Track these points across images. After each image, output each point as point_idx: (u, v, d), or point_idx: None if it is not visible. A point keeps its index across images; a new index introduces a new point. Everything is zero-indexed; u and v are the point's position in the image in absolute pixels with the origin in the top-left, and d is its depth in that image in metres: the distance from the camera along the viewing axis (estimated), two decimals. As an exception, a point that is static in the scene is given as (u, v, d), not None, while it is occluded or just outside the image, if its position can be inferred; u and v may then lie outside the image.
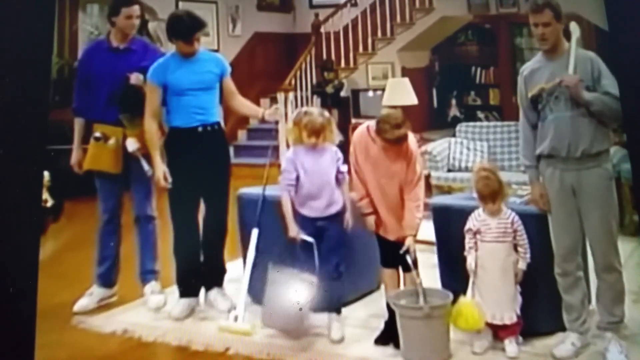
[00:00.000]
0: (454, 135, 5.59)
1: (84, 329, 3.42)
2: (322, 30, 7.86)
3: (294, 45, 8.06)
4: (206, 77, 3.56)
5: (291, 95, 7.29)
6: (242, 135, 7.73)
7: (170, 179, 3.49)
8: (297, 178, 3.30)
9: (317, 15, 7.99)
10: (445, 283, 3.39)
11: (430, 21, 7.65)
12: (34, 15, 2.91)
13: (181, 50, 3.48)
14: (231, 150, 7.07)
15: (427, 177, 4.58)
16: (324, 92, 7.50)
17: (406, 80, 6.53)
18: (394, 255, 3.22)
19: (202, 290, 3.64)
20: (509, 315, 3.06)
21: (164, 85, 3.51)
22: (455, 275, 3.30)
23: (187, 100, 3.51)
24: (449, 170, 5.36)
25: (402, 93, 6.29)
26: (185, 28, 3.43)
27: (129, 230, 3.76)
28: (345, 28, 7.86)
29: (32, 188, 2.87)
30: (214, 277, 3.65)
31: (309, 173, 3.31)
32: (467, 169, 5.11)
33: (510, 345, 3.07)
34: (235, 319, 3.29)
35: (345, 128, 7.33)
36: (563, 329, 3.16)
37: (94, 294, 3.66)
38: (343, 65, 7.76)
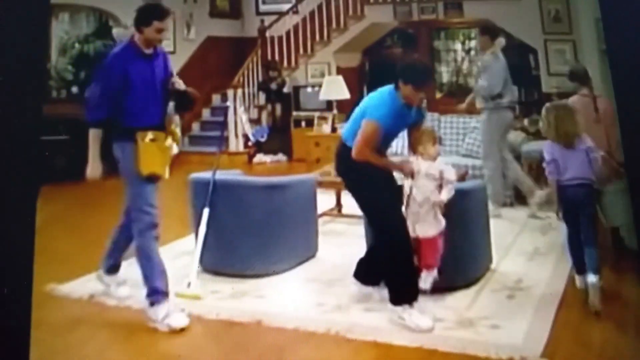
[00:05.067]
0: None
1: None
2: (267, 34, 7.86)
3: (242, 48, 8.04)
4: None
5: (240, 91, 7.34)
6: (195, 127, 7.71)
7: None
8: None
9: (262, 21, 8.00)
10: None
11: (361, 27, 7.72)
12: (28, 14, 2.55)
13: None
14: (186, 140, 7.18)
15: None
16: (268, 88, 7.52)
17: (340, 78, 6.64)
18: None
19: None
20: (430, 232, 3.01)
21: None
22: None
23: None
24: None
25: (336, 89, 6.43)
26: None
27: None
28: (288, 33, 7.89)
29: (27, 187, 2.50)
30: None
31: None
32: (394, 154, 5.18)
33: (427, 277, 3.00)
34: (189, 285, 3.29)
35: (287, 120, 7.42)
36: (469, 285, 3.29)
37: (105, 281, 3.32)
38: (285, 65, 7.79)
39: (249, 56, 7.67)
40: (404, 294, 2.94)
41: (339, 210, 4.74)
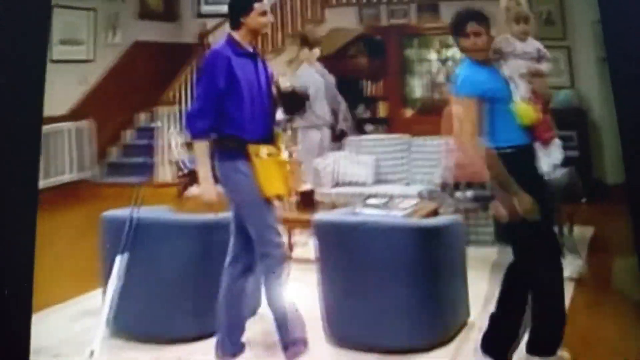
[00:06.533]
0: (340, 149, 5.63)
1: None
2: (210, 40, 7.65)
3: (178, 56, 7.84)
4: None
5: (173, 109, 7.14)
6: (114, 152, 7.37)
7: None
8: None
9: (204, 24, 7.90)
10: (327, 302, 3.38)
11: (321, 33, 7.70)
12: (28, 15, 2.86)
13: None
14: (102, 169, 6.98)
15: (311, 192, 4.59)
16: (208, 105, 7.41)
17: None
18: None
19: None
20: None
21: None
22: (338, 293, 3.30)
23: None
24: (336, 185, 5.38)
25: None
26: None
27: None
28: (233, 39, 7.83)
29: (27, 188, 2.79)
30: None
31: None
32: (352, 184, 5.18)
33: None
34: (91, 354, 3.12)
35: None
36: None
37: None
38: (230, 76, 7.70)
39: (186, 66, 7.54)
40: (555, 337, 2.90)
41: (290, 252, 4.55)
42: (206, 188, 3.00)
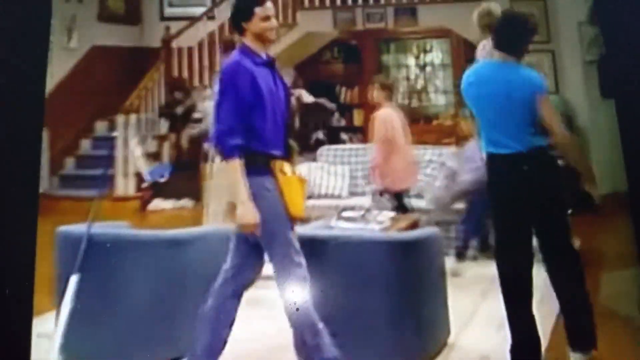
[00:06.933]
0: (315, 160, 5.62)
1: None
2: (174, 45, 7.73)
3: (139, 61, 7.84)
4: None
5: (133, 117, 7.10)
6: (70, 163, 7.31)
7: None
8: None
9: (168, 28, 7.85)
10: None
11: (293, 37, 7.75)
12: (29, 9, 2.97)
13: None
14: (56, 181, 6.88)
15: None
16: (173, 113, 7.35)
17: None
18: None
19: None
20: None
21: None
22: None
23: None
24: (309, 198, 5.36)
25: None
26: None
27: None
28: (200, 43, 7.80)
29: (28, 187, 2.88)
30: None
31: None
32: (327, 196, 5.16)
33: None
34: None
35: (196, 154, 7.21)
36: None
37: None
38: (196, 83, 7.65)
39: (149, 72, 7.53)
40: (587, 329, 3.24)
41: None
42: (246, 211, 2.95)
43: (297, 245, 3.06)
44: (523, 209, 3.21)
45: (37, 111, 2.95)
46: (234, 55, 3.09)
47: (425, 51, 8.12)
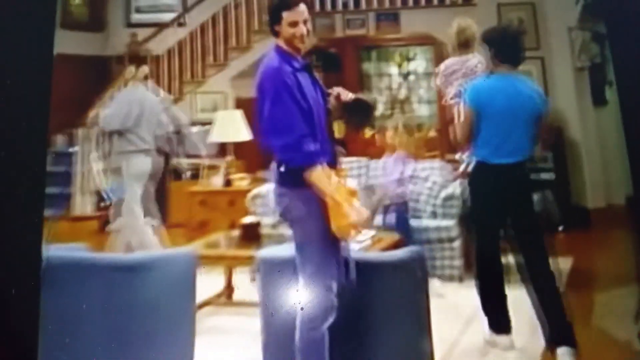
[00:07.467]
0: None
1: None
2: (141, 53, 7.67)
3: (104, 71, 7.84)
4: None
5: (94, 131, 6.98)
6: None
7: None
8: None
9: (135, 35, 7.89)
10: (270, 352, 3.29)
11: (269, 45, 7.69)
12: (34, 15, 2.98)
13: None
14: None
15: (257, 225, 4.52)
16: (137, 127, 7.32)
17: (237, 112, 6.52)
18: None
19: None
20: None
21: None
22: (284, 342, 3.18)
23: None
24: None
25: (233, 128, 6.31)
26: None
27: None
28: (170, 51, 7.83)
29: (34, 190, 2.90)
30: None
31: None
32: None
33: None
34: None
35: (162, 171, 7.16)
36: None
37: None
38: (165, 94, 7.61)
39: (113, 83, 7.39)
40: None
41: (229, 296, 4.61)
42: (357, 210, 2.95)
43: (335, 269, 2.98)
44: (504, 207, 3.71)
45: (43, 111, 2.96)
46: (272, 58, 3.06)
47: (408, 59, 8.14)
